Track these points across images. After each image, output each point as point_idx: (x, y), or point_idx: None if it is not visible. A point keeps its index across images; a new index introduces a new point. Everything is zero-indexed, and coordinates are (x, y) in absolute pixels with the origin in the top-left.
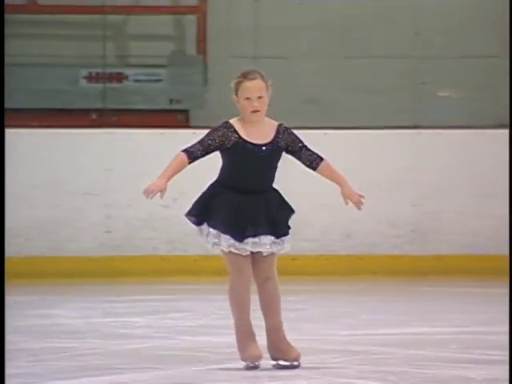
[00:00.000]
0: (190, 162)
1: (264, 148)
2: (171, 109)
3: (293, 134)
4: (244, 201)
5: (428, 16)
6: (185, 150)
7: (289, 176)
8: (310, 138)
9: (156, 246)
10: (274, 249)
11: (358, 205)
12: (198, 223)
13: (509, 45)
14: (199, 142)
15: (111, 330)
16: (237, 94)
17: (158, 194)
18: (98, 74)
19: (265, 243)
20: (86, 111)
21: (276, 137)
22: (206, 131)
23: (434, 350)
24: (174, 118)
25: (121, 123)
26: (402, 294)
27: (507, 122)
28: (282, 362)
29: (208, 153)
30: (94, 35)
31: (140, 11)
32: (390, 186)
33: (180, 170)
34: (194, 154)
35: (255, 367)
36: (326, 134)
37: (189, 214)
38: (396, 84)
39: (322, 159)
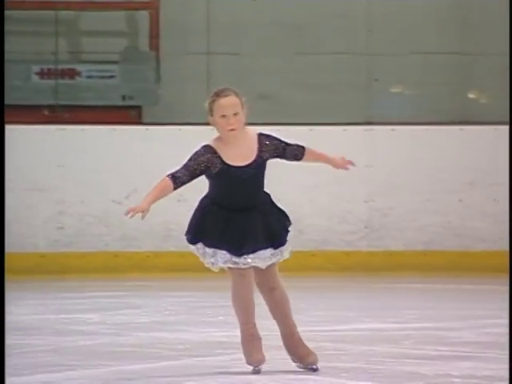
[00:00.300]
0: (175, 188)
1: (249, 169)
2: (124, 105)
3: (273, 139)
4: (238, 217)
5: (380, 13)
6: (170, 175)
7: None
8: None
9: (109, 243)
10: (274, 260)
11: (350, 163)
12: (194, 242)
13: (509, 45)
14: (184, 166)
15: (64, 327)
16: (212, 114)
17: (140, 214)
18: (50, 70)
19: (264, 257)
20: (39, 107)
21: (260, 152)
22: (159, 127)
23: (387, 346)
24: (126, 114)
25: (73, 119)
26: (354, 290)
27: (460, 118)
28: (299, 367)
29: (194, 178)
30: (47, 31)
31: (92, 7)
32: (342, 183)
33: (163, 196)
34: (179, 180)
35: (257, 372)
36: (278, 130)
37: (186, 234)
38: (348, 80)
39: (303, 148)
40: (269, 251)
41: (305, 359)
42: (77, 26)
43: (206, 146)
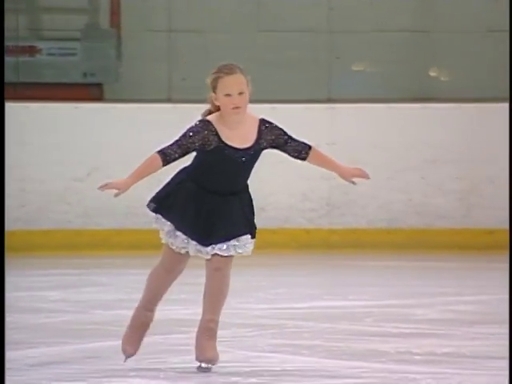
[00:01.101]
0: (164, 165)
1: (245, 153)
2: (85, 82)
3: (275, 128)
4: (214, 202)
5: None
6: (160, 152)
7: None
8: None
9: (71, 220)
10: (234, 251)
11: (365, 176)
12: (156, 212)
13: (509, 39)
14: (177, 143)
15: (26, 304)
16: (215, 91)
17: (115, 190)
18: (10, 47)
19: (240, 245)
20: None
21: (258, 138)
22: (120, 105)
23: (348, 324)
24: (87, 91)
25: (35, 96)
26: (315, 267)
27: (422, 95)
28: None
29: (186, 155)
30: (6, 8)
31: None
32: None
33: (151, 173)
34: (170, 157)
35: (125, 361)
36: None
37: (151, 201)
38: (310, 58)
39: (309, 147)
40: (246, 237)
41: (202, 354)
42: (37, 2)
43: (204, 122)
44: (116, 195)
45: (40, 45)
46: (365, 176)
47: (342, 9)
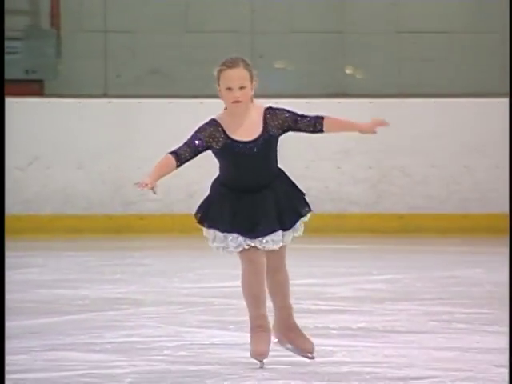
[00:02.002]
0: (178, 166)
1: (254, 144)
2: (27, 79)
3: (283, 112)
4: (249, 198)
5: None
6: (173, 153)
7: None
8: (155, 107)
9: (11, 207)
10: (285, 241)
11: (383, 124)
12: (203, 223)
13: (509, 39)
14: (186, 143)
15: None
16: (219, 84)
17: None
18: None
19: (277, 240)
20: None
21: (265, 127)
22: (59, 100)
23: (269, 301)
24: (29, 87)
25: None
26: None
27: (338, 91)
28: (289, 349)
29: (197, 154)
30: None
31: None
32: None
33: (168, 173)
34: (182, 157)
35: (261, 366)
36: (170, 102)
37: (197, 212)
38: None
39: (322, 118)
40: (280, 233)
41: (301, 346)
42: None
43: (210, 120)
44: (155, 192)
45: None
46: (383, 124)
47: (264, 11)
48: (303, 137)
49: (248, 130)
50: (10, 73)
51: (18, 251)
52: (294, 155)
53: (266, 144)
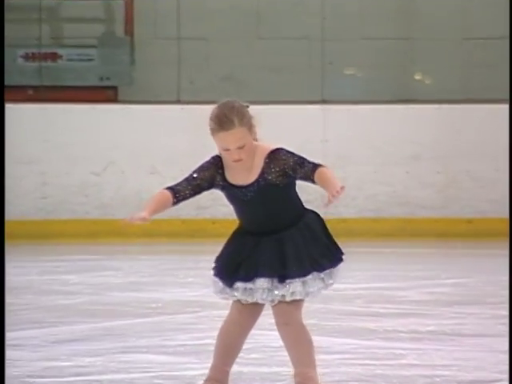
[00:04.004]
0: (175, 203)
1: (247, 190)
2: (101, 85)
3: (285, 158)
4: (250, 242)
5: (333, 2)
6: (171, 188)
7: None
8: None
9: (88, 211)
10: (270, 297)
11: (330, 201)
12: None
13: (509, 41)
14: (187, 179)
15: (47, 287)
16: (214, 139)
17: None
18: (34, 53)
19: (259, 287)
20: (24, 88)
21: (262, 173)
22: (133, 106)
23: (340, 305)
24: (103, 93)
25: (55, 98)
26: None
27: (405, 97)
28: None
29: (197, 194)
30: (31, 18)
31: None
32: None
33: (162, 210)
34: (180, 194)
35: None
36: None
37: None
38: (305, 63)
39: (314, 170)
40: (266, 281)
41: None
42: (59, 13)
43: (215, 158)
44: (145, 222)
45: (61, 51)
46: (339, 191)
47: (334, 18)
48: (372, 141)
49: (245, 174)
50: (85, 79)
51: (93, 254)
52: (363, 159)
53: (263, 190)
